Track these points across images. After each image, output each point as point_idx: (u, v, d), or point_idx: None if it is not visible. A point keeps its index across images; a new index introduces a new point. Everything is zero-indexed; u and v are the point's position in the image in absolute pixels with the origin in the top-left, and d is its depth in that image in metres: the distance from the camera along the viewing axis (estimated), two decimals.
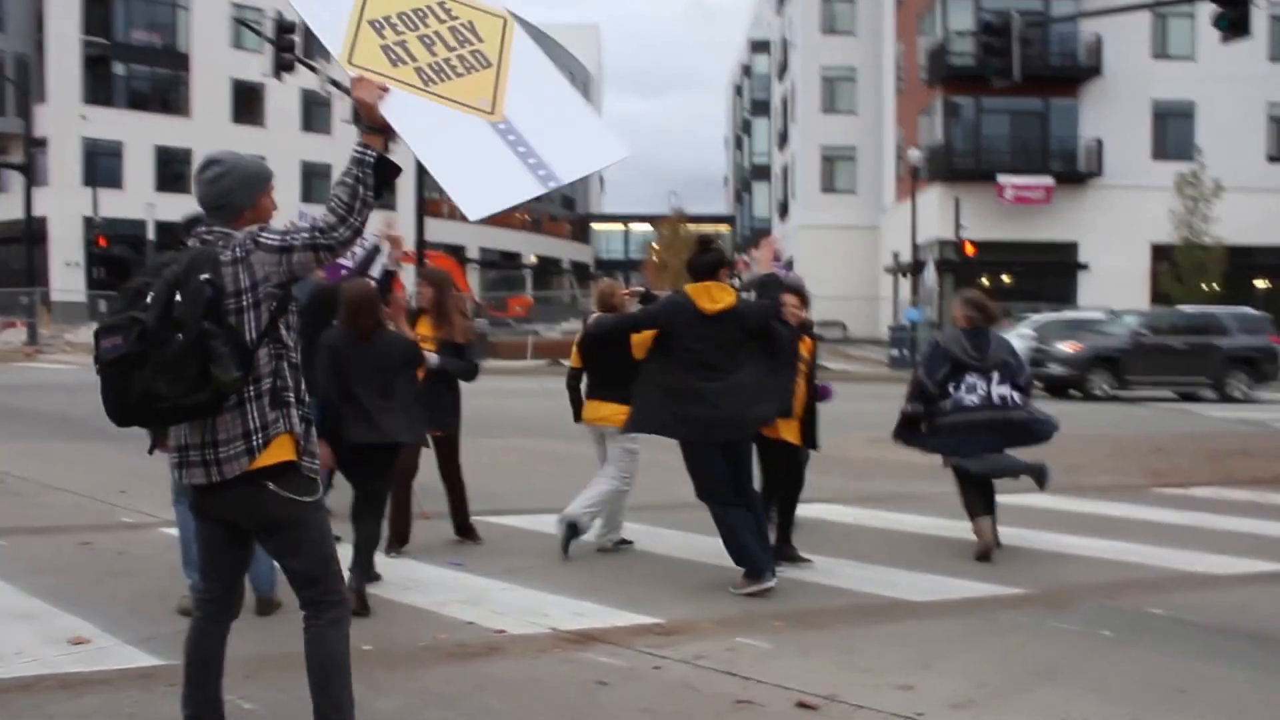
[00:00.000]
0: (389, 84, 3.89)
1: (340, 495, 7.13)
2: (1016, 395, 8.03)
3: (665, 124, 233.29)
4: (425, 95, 4.02)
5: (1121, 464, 13.38)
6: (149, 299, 3.52)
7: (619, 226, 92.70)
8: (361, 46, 4.08)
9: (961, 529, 8.65)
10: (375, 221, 4.77)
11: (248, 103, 57.28)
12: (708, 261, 7.06)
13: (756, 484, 7.34)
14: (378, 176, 3.70)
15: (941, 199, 40.58)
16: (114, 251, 42.47)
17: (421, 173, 24.40)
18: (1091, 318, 28.18)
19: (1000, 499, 8.42)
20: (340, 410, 6.33)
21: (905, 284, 41.45)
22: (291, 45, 24.97)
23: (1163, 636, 5.90)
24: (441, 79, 4.09)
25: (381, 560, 7.23)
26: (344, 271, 7.34)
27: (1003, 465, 8.09)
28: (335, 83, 26.43)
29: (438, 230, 58.10)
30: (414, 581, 6.82)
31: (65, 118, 52.50)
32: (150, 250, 38.78)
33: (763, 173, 72.29)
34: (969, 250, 36.38)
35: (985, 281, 40.81)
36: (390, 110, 3.82)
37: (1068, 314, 30.91)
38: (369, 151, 3.70)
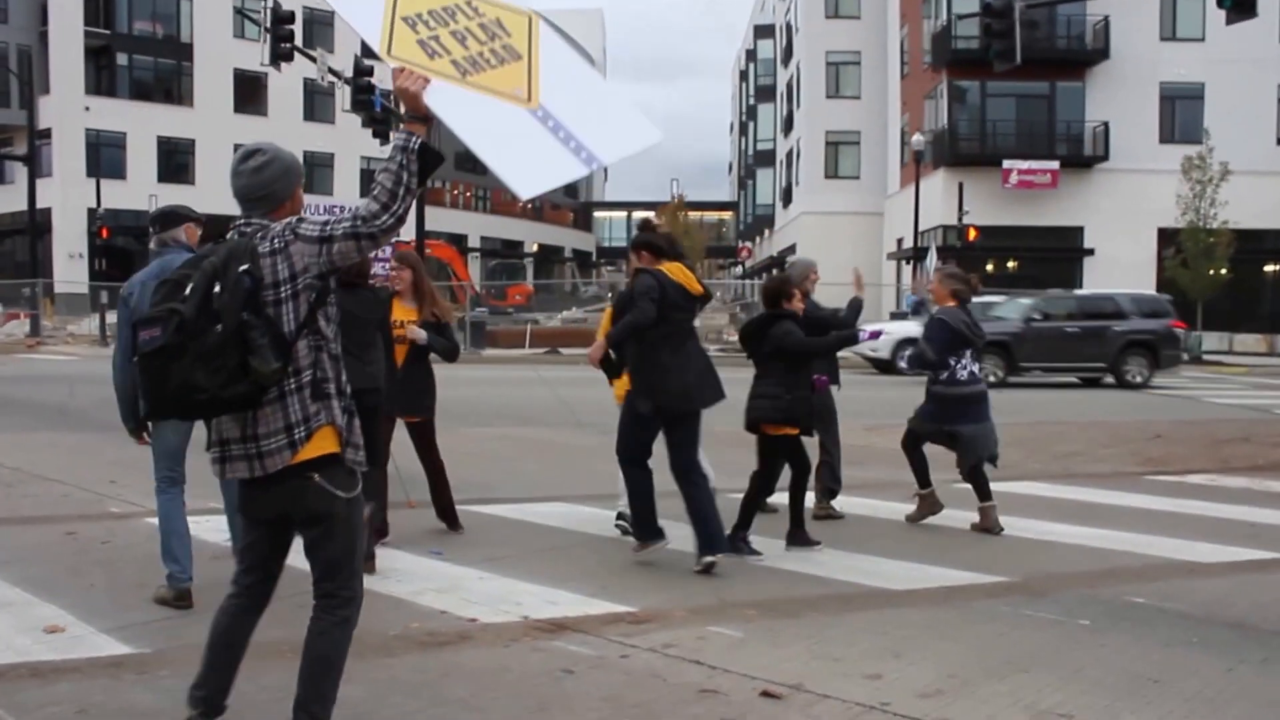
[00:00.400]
0: (429, 75, 3.91)
1: None
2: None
3: (669, 110, 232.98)
4: (463, 85, 4.09)
5: (1118, 451, 13.34)
6: (188, 290, 3.49)
7: (622, 214, 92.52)
8: (399, 40, 4.15)
9: (947, 517, 8.65)
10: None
11: (250, 93, 57.31)
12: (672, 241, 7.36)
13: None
14: (421, 164, 3.69)
15: (945, 184, 40.45)
16: (116, 243, 42.55)
17: None
18: (990, 301, 27.16)
19: (992, 487, 8.46)
20: None
21: (909, 271, 41.33)
22: (290, 35, 24.97)
23: (1143, 625, 5.85)
24: (477, 70, 4.19)
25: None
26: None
27: (985, 444, 8.50)
28: (334, 72, 26.45)
29: (440, 219, 58.27)
30: (392, 570, 6.80)
31: (68, 109, 52.61)
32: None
33: (767, 159, 72.09)
34: (972, 236, 36.24)
35: (989, 267, 40.74)
36: (432, 100, 3.84)
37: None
38: (414, 139, 3.69)
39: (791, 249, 56.68)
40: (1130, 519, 8.86)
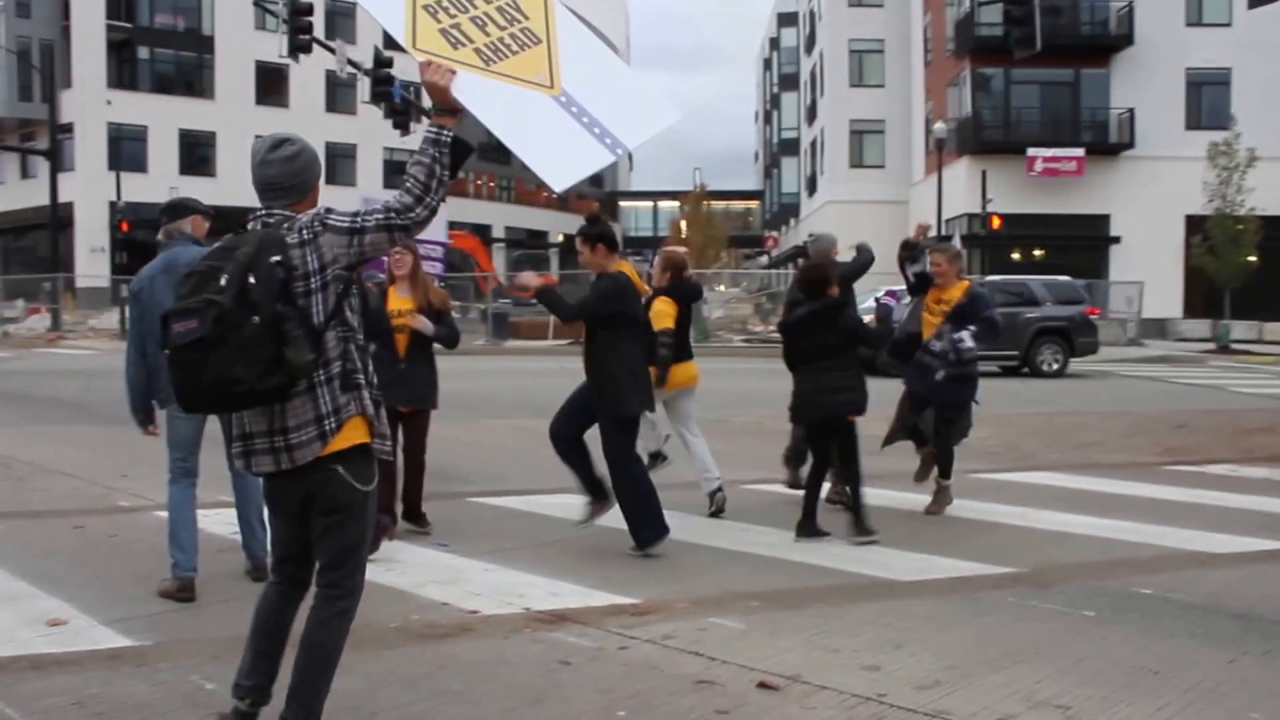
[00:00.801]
0: (454, 66, 3.93)
1: None
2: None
3: (695, 100, 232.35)
4: (488, 74, 4.15)
5: (1138, 441, 13.23)
6: (222, 281, 3.47)
7: (647, 204, 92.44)
8: (422, 31, 4.17)
9: (960, 508, 8.60)
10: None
11: (271, 85, 57.47)
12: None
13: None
14: (452, 157, 3.73)
15: (969, 172, 40.22)
16: (137, 236, 42.77)
17: None
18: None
19: (1009, 477, 8.44)
20: None
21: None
22: (309, 26, 25.01)
23: (1148, 617, 5.79)
24: (500, 58, 4.22)
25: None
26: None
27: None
28: (354, 63, 26.48)
29: (464, 209, 58.35)
30: (397, 562, 6.80)
31: (90, 103, 52.91)
32: None
33: (791, 148, 71.82)
34: (996, 224, 36.01)
35: (1016, 256, 40.50)
36: (460, 92, 3.88)
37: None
38: (445, 132, 3.73)
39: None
40: (1145, 509, 8.77)
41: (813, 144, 63.45)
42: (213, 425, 5.74)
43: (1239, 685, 4.74)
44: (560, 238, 77.65)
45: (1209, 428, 14.46)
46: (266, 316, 3.48)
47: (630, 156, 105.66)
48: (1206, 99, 41.82)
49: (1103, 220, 42.17)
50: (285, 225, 3.70)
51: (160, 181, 48.92)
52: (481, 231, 60.29)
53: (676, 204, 74.89)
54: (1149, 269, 38.70)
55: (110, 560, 6.87)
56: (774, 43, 79.31)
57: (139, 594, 6.04)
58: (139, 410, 6.21)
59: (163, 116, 54.74)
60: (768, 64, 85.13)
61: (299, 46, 25.03)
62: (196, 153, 55.37)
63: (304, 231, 3.67)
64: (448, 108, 3.82)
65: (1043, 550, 7.40)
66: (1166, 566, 6.94)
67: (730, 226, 74.59)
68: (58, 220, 40.36)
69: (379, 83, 26.93)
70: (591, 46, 4.55)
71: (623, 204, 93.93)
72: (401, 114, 27.70)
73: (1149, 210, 40.62)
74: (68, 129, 50.70)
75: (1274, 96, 40.36)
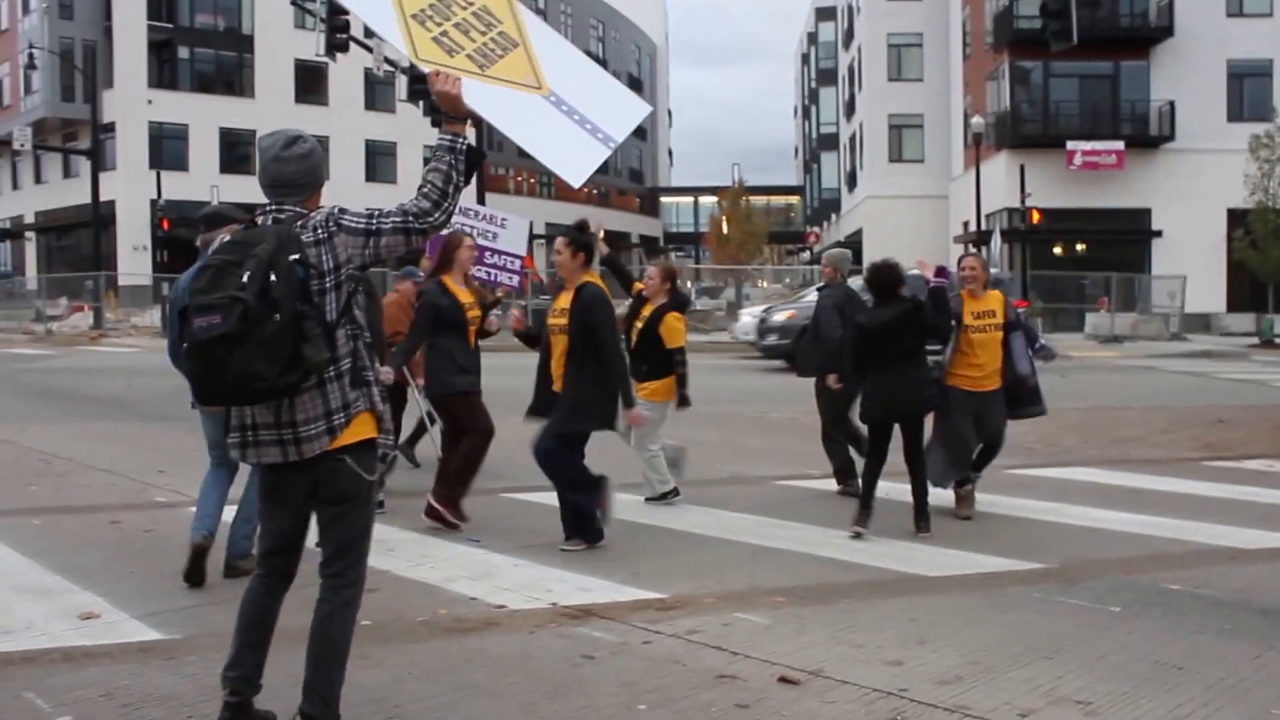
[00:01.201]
0: (457, 74, 3.99)
1: None
2: None
3: (734, 95, 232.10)
4: (484, 79, 4.21)
5: (1177, 436, 13.13)
6: (245, 278, 3.50)
7: (688, 199, 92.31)
8: (419, 40, 4.23)
9: (992, 504, 8.56)
10: None
11: (311, 83, 57.70)
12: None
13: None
14: (465, 163, 3.82)
15: (1008, 166, 39.92)
16: (178, 234, 43.15)
17: None
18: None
19: (1043, 472, 8.40)
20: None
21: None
22: (345, 25, 25.13)
23: (1173, 612, 5.76)
24: (490, 62, 4.30)
25: (398, 537, 7.33)
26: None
27: None
28: (391, 62, 26.57)
29: (504, 206, 58.38)
30: (427, 557, 6.86)
31: (132, 102, 53.34)
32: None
33: (830, 142, 71.61)
34: (1035, 218, 35.76)
35: (1057, 250, 40.20)
36: (469, 99, 3.95)
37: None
38: (460, 140, 3.83)
39: (858, 233, 56.26)
40: (1179, 505, 8.72)
41: (852, 139, 63.23)
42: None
43: (1263, 681, 4.71)
44: (602, 233, 77.65)
45: (1248, 422, 14.33)
46: (288, 314, 3.53)
47: (670, 152, 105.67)
48: (1248, 91, 41.29)
49: (1143, 214, 41.71)
50: (299, 223, 3.74)
51: (201, 180, 49.37)
52: None
53: (715, 199, 74.78)
54: (1191, 263, 38.27)
55: (145, 555, 6.95)
56: (812, 37, 79.07)
57: (169, 588, 6.12)
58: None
59: (203, 115, 55.18)
60: (806, 59, 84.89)
61: (336, 45, 25.17)
62: (237, 151, 55.72)
63: (319, 230, 3.73)
64: (460, 115, 3.88)
65: (1072, 546, 7.37)
66: (1196, 562, 6.90)
67: (771, 222, 74.32)
68: (100, 219, 40.72)
69: (415, 80, 27.00)
70: (560, 45, 4.65)
71: (663, 199, 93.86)
72: (438, 111, 27.73)
73: (1190, 204, 40.15)
74: (109, 128, 51.22)
75: None
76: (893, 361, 7.59)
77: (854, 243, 56.26)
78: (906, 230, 50.03)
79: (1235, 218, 39.23)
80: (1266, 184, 36.79)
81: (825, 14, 73.19)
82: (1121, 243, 41.48)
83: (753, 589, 6.18)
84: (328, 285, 3.71)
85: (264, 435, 3.79)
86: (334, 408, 3.75)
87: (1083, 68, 40.40)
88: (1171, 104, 40.85)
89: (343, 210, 3.81)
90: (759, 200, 73.89)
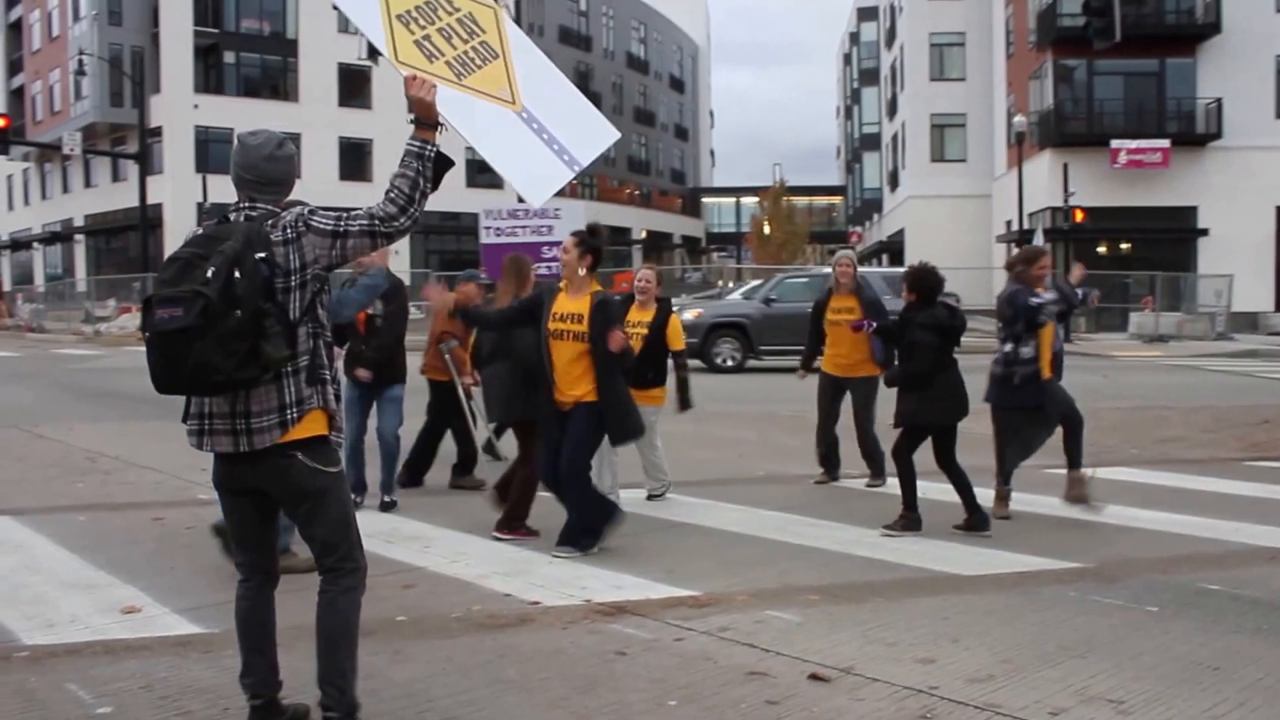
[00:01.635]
0: (432, 80, 4.02)
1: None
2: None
3: (776, 96, 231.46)
4: (460, 89, 4.23)
5: (1220, 436, 12.99)
6: (210, 274, 3.58)
7: (730, 200, 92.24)
8: (400, 43, 4.26)
9: (1030, 503, 8.50)
10: None
11: (355, 86, 58.07)
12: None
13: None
14: (434, 170, 3.86)
15: (1051, 165, 39.55)
16: None
17: None
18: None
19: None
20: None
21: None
22: None
23: (1211, 613, 5.72)
24: (468, 71, 4.32)
25: (434, 534, 7.39)
26: None
27: None
28: (374, 51, 26.77)
29: (550, 205, 58.49)
30: (462, 554, 6.92)
31: (178, 107, 53.90)
32: None
33: (872, 142, 71.27)
34: (1079, 217, 35.42)
35: (1101, 249, 39.80)
36: (441, 107, 3.96)
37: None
38: (429, 146, 3.86)
39: (900, 233, 56.01)
40: (1220, 505, 8.64)
41: (894, 139, 62.91)
42: None
43: None
44: (644, 234, 77.76)
45: None
46: (249, 311, 3.59)
47: (712, 153, 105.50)
48: None
49: (1189, 212, 41.19)
50: (270, 221, 3.80)
51: None
52: None
53: (757, 200, 74.64)
54: (1239, 262, 37.80)
55: (186, 551, 7.04)
56: (854, 37, 78.76)
57: (210, 583, 6.19)
58: None
59: (248, 119, 55.46)
60: (848, 59, 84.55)
61: (377, 50, 25.28)
62: None
63: (288, 230, 3.78)
64: (431, 121, 3.91)
65: (1110, 545, 7.33)
66: (1236, 563, 6.84)
67: (813, 222, 74.11)
68: (147, 221, 41.19)
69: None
70: (540, 63, 4.66)
71: (705, 200, 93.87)
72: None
73: (1238, 202, 39.64)
74: (157, 133, 51.80)
75: None
76: (934, 369, 7.57)
77: (896, 243, 56.00)
78: (948, 230, 49.75)
79: None
80: None
81: (867, 14, 72.91)
82: (1167, 241, 40.97)
83: (786, 587, 6.18)
84: (292, 284, 3.77)
85: (218, 424, 3.85)
86: (288, 402, 3.81)
87: (1127, 65, 39.93)
88: (1219, 101, 40.32)
89: (313, 210, 3.87)
90: (801, 200, 73.71)
